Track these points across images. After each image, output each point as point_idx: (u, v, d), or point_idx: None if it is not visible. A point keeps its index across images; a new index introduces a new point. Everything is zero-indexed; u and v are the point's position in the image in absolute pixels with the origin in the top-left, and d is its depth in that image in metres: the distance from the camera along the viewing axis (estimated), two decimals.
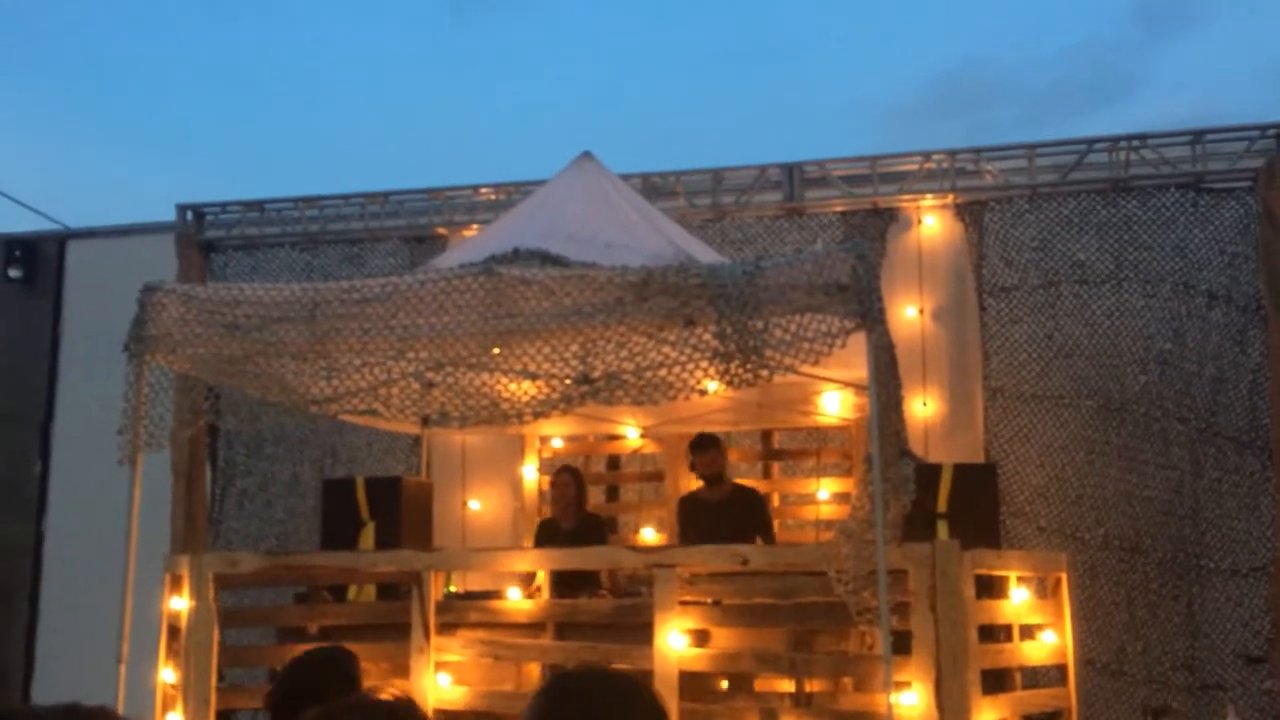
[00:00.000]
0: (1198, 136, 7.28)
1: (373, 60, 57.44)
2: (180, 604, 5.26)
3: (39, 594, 8.79)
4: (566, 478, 6.86)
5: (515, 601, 5.37)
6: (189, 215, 8.74)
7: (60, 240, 9.41)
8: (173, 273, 8.32)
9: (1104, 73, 51.05)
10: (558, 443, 7.76)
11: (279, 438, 8.20)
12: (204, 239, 8.69)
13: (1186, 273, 7.08)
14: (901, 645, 4.38)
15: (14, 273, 9.14)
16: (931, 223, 7.56)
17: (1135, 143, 7.36)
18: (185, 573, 5.25)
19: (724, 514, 6.32)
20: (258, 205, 8.73)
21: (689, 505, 6.65)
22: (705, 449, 6.53)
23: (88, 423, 8.00)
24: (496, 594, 5.75)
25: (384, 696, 1.81)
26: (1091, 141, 7.47)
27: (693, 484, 6.89)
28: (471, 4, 59.14)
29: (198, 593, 5.17)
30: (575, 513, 6.78)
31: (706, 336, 4.44)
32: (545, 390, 4.99)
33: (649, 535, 7.34)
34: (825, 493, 7.21)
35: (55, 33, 52.53)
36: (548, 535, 6.75)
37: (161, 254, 8.43)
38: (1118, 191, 7.28)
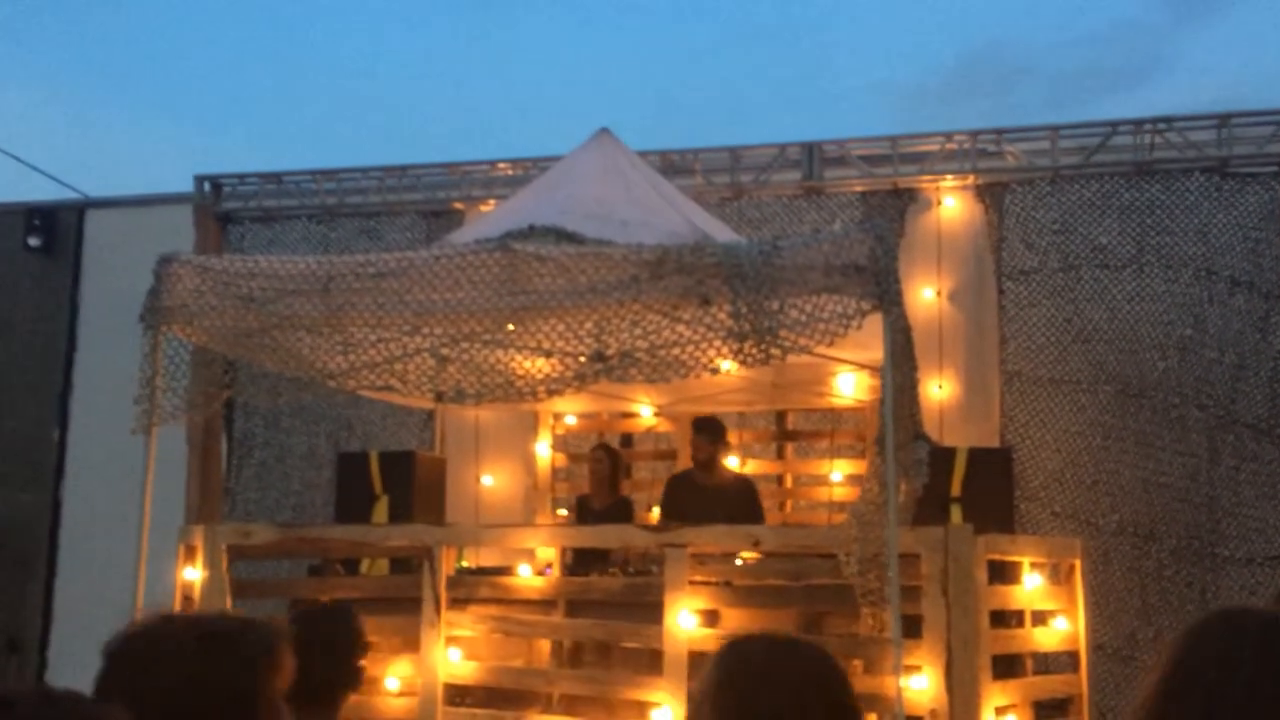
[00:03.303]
0: (1223, 120, 7.18)
1: (394, 34, 57.30)
2: (194, 574, 5.30)
3: (55, 561, 8.86)
4: (600, 454, 6.93)
5: (527, 578, 5.39)
6: (207, 186, 8.75)
7: (79, 209, 9.44)
8: (190, 243, 8.34)
9: (1130, 55, 50.52)
10: (571, 420, 7.76)
11: (295, 410, 8.22)
12: (222, 210, 8.70)
13: (1209, 258, 7.00)
14: (912, 629, 4.38)
15: (33, 241, 9.17)
16: (951, 204, 7.50)
17: (1160, 125, 7.27)
18: (199, 543, 5.28)
19: (715, 500, 6.29)
20: (275, 177, 8.73)
21: (678, 485, 6.65)
22: (695, 431, 6.55)
23: (106, 391, 8.03)
24: (508, 570, 5.76)
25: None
26: (1116, 124, 7.38)
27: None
28: None
29: (211, 563, 5.20)
30: (608, 492, 6.82)
31: (721, 316, 4.41)
32: (559, 367, 4.98)
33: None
34: (839, 474, 7.19)
35: (76, 2, 52.55)
36: (581, 513, 6.81)
37: (180, 224, 8.47)
38: (1141, 175, 7.20)
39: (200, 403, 5.22)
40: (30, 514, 8.96)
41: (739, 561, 5.27)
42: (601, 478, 6.85)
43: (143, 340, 4.99)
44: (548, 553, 6.30)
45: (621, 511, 6.73)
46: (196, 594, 5.23)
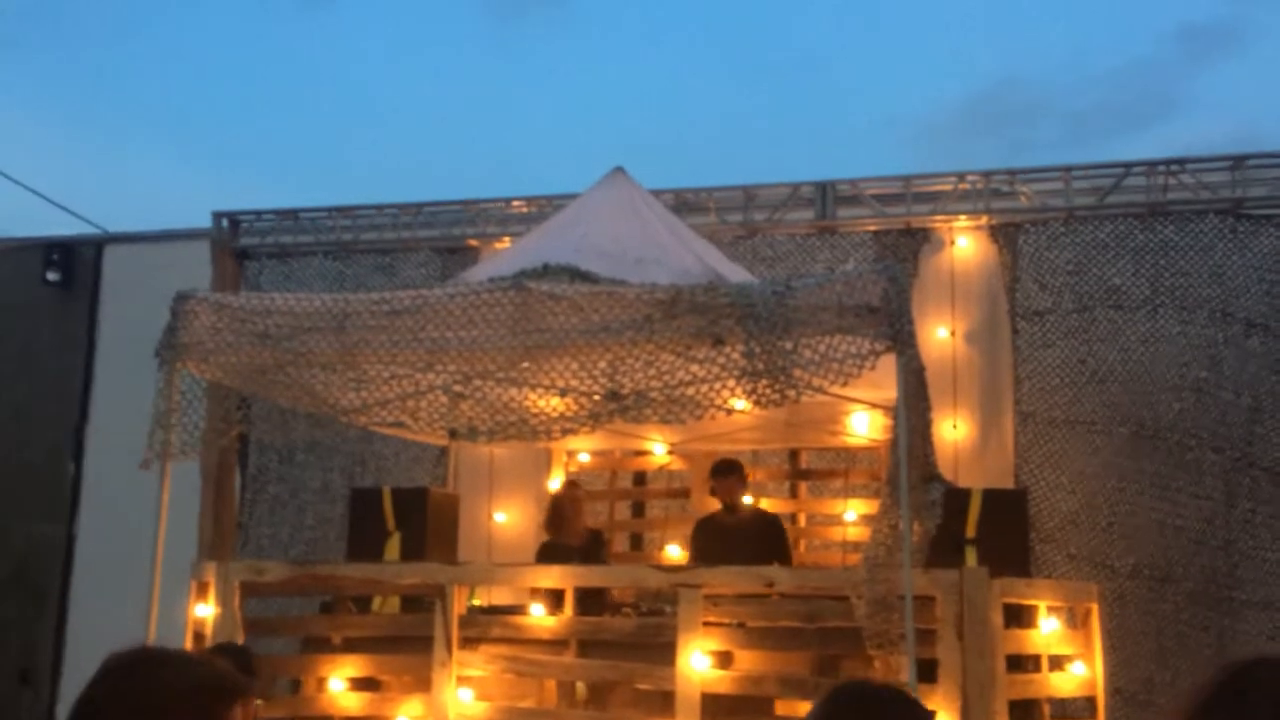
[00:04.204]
0: (1238, 162, 7.19)
1: (411, 72, 57.92)
2: (206, 610, 5.29)
3: (69, 594, 8.87)
4: (580, 493, 6.83)
5: (538, 617, 5.36)
6: (224, 222, 8.83)
7: (98, 244, 9.52)
8: (208, 279, 8.40)
9: (1145, 95, 50.64)
10: (585, 457, 7.75)
11: (309, 445, 8.24)
12: (239, 246, 8.77)
13: (1224, 300, 6.98)
14: (927, 673, 4.34)
15: (52, 276, 9.25)
16: (965, 244, 7.50)
17: (1174, 167, 7.28)
18: (212, 579, 5.28)
19: (741, 538, 6.28)
20: (292, 214, 8.80)
21: (705, 528, 6.63)
22: (723, 475, 6.53)
23: (121, 426, 8.04)
24: (520, 609, 5.73)
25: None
26: (1129, 165, 7.39)
27: (716, 503, 6.86)
28: (510, 19, 59.55)
29: (223, 600, 5.19)
30: (581, 529, 6.73)
31: (735, 355, 4.42)
32: (574, 407, 4.99)
33: (674, 552, 7.31)
34: (852, 514, 7.15)
35: (96, 37, 53.30)
36: (564, 557, 6.62)
37: (197, 260, 8.52)
38: (1155, 216, 7.20)
39: (212, 439, 5.24)
40: (45, 547, 8.98)
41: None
42: (581, 515, 6.75)
43: (158, 376, 5.01)
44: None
45: (599, 545, 6.69)
46: (209, 631, 5.22)
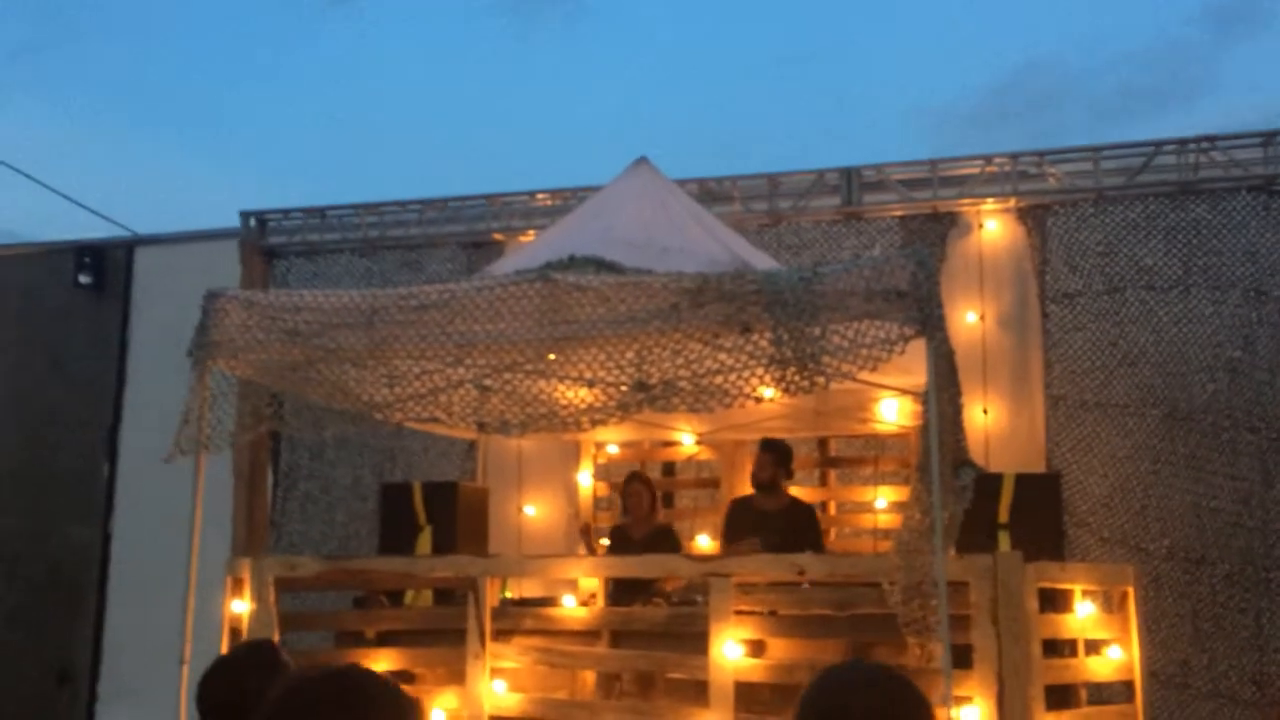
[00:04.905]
0: (1269, 138, 7.09)
1: (433, 68, 58.06)
2: (241, 606, 5.34)
3: (106, 594, 8.97)
4: (639, 487, 6.87)
5: (571, 609, 5.38)
6: (253, 222, 8.89)
7: (128, 247, 9.60)
8: (237, 278, 8.46)
9: (1172, 75, 50.08)
10: (613, 449, 7.76)
11: (340, 442, 8.29)
12: (267, 245, 8.82)
13: (1257, 278, 6.89)
14: (962, 659, 4.31)
15: (84, 279, 9.34)
16: (993, 227, 7.44)
17: (1204, 144, 7.19)
18: (246, 576, 5.32)
19: (774, 524, 6.26)
20: (319, 212, 8.85)
21: (738, 509, 6.62)
22: (761, 451, 6.53)
23: (155, 426, 8.11)
24: (552, 600, 5.75)
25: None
26: (1159, 144, 7.31)
27: (749, 489, 6.85)
28: (532, 13, 59.59)
29: (258, 596, 5.24)
30: (647, 521, 6.79)
31: (763, 343, 4.40)
32: (602, 397, 4.99)
33: (704, 542, 7.31)
34: (883, 501, 7.12)
35: (119, 39, 53.73)
36: (619, 542, 6.76)
37: (226, 260, 8.58)
38: (1186, 195, 7.11)
39: (242, 436, 5.28)
40: (81, 548, 9.08)
41: None
42: (643, 508, 6.83)
43: (191, 374, 5.05)
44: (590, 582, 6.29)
45: (663, 540, 6.70)
46: (244, 626, 5.26)
